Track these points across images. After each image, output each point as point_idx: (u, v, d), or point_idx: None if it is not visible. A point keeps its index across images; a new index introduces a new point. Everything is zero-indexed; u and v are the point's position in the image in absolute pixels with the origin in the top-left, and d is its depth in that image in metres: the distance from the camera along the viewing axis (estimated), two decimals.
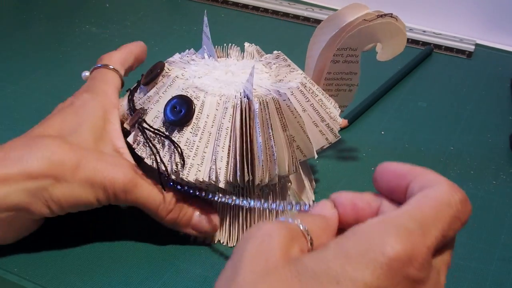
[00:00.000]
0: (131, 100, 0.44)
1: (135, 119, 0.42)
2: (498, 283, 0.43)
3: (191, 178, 0.40)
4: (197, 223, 0.43)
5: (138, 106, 0.43)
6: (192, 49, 0.48)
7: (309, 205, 0.33)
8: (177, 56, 0.47)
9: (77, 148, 0.40)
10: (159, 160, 0.41)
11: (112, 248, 0.44)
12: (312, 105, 0.43)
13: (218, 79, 0.44)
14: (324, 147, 0.45)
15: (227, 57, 0.49)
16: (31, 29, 0.76)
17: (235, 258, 0.26)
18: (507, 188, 0.53)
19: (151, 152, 0.41)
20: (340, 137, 0.45)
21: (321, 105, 0.43)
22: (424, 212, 0.27)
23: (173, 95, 0.41)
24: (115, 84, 0.46)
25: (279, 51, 0.48)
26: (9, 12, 0.81)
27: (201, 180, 0.40)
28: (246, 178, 0.40)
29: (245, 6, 0.84)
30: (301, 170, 0.46)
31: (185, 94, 0.41)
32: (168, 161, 0.41)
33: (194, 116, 0.41)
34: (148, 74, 0.44)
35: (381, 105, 0.64)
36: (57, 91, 0.63)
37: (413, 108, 0.64)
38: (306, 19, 0.82)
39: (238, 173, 0.40)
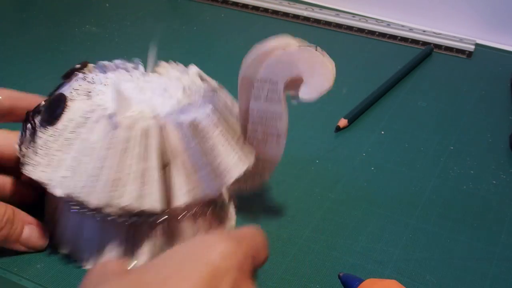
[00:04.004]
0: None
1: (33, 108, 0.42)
2: (498, 283, 0.43)
3: (34, 175, 0.39)
4: (27, 238, 0.42)
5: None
6: (138, 59, 0.46)
7: None
8: (118, 61, 0.46)
9: None
10: (19, 146, 0.41)
11: None
12: (192, 147, 0.39)
13: (120, 90, 0.42)
14: (206, 199, 0.41)
15: (162, 73, 0.46)
16: (31, 29, 0.76)
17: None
18: (507, 188, 0.53)
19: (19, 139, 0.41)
20: (221, 192, 0.41)
21: (209, 152, 0.39)
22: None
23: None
24: None
25: (221, 85, 0.44)
26: (9, 12, 0.81)
27: (41, 181, 0.39)
28: (85, 198, 0.38)
29: (245, 6, 0.84)
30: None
31: (65, 94, 0.41)
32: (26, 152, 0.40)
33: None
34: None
35: (381, 105, 0.64)
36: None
37: (413, 108, 0.64)
38: (306, 19, 0.82)
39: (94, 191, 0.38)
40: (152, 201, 0.38)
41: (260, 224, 0.47)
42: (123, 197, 0.38)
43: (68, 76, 0.44)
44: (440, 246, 0.46)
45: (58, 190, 0.39)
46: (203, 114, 0.40)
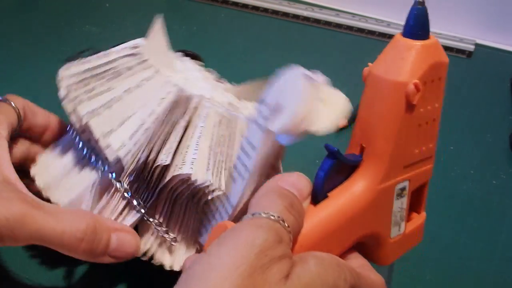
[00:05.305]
0: None
1: None
2: (498, 283, 0.43)
3: (86, 121, 0.40)
4: (116, 249, 0.36)
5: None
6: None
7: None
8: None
9: None
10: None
11: None
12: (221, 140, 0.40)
13: (192, 78, 0.45)
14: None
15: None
16: (31, 29, 0.76)
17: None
18: (507, 188, 0.53)
19: None
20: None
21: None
22: None
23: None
24: (8, 117, 0.42)
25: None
26: (9, 12, 0.81)
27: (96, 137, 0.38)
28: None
29: (245, 6, 0.84)
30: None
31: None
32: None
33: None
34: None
35: None
36: (56, 90, 0.63)
37: None
38: (306, 18, 0.82)
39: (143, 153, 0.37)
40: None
41: None
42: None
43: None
44: (440, 246, 0.46)
45: (113, 156, 0.37)
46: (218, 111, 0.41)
